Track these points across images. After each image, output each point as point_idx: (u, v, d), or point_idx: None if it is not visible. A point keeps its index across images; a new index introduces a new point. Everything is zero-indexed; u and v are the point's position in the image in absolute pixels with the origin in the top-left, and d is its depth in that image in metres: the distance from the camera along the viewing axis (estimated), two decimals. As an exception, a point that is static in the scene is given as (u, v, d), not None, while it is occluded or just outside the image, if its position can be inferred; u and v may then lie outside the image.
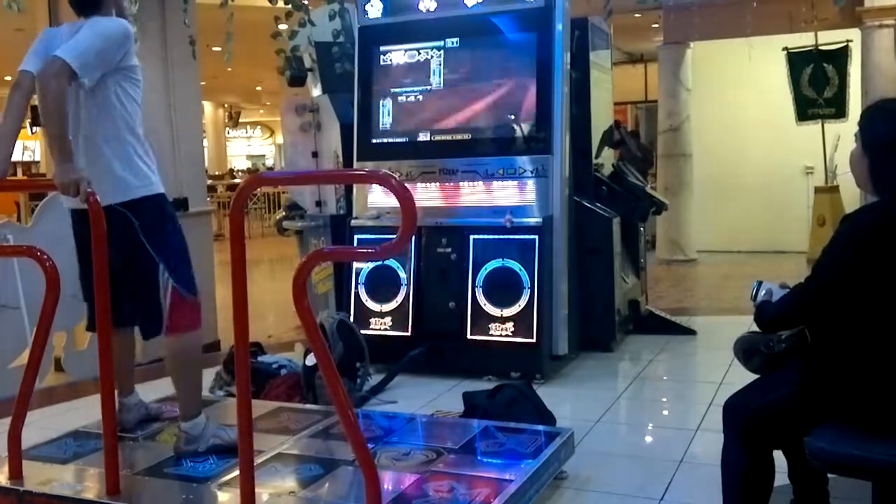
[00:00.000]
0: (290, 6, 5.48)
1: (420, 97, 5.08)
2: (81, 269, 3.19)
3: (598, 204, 5.26)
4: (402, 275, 4.92)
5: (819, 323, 2.33)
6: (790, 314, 2.37)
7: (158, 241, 3.07)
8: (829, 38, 9.28)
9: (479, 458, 3.16)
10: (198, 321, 3.18)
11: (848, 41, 9.26)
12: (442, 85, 5.03)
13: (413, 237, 4.18)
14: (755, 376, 2.53)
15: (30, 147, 20.70)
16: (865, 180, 2.29)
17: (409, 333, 4.88)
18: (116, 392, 3.05)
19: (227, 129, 27.80)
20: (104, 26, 3.03)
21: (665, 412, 4.46)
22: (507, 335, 4.65)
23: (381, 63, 5.19)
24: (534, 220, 4.69)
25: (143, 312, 3.16)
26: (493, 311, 4.69)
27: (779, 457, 2.46)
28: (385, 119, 5.15)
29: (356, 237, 5.06)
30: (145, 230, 3.04)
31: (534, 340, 4.60)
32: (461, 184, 4.89)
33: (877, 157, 2.25)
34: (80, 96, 3.01)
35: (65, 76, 2.83)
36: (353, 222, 5.14)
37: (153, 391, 3.92)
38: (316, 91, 5.84)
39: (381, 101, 5.16)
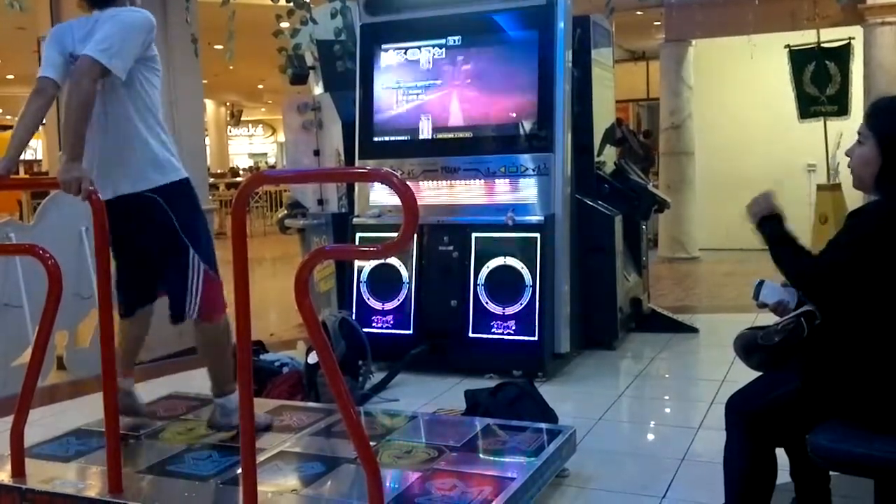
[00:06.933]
0: (291, 4, 5.46)
1: (422, 95, 5.08)
2: (115, 258, 3.17)
3: (600, 202, 5.25)
4: (404, 273, 4.91)
5: (839, 297, 2.24)
6: (830, 269, 2.23)
7: (188, 224, 3.10)
8: (832, 36, 9.26)
9: (481, 455, 3.16)
10: (224, 303, 3.20)
11: (850, 38, 9.23)
12: (443, 83, 5.02)
13: (415, 235, 4.18)
14: (757, 374, 2.52)
15: (32, 145, 20.68)
16: (870, 181, 2.27)
17: (410, 331, 4.87)
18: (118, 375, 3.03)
19: (229, 127, 27.82)
20: (128, 18, 3.00)
21: (667, 410, 4.45)
22: (508, 333, 4.65)
23: (383, 61, 5.19)
24: (535, 219, 4.69)
25: (172, 294, 3.17)
26: (495, 309, 4.69)
27: (781, 454, 2.46)
28: (387, 117, 5.15)
29: (358, 235, 5.06)
30: (177, 214, 3.07)
31: (536, 338, 4.59)
32: (463, 182, 4.89)
33: (893, 158, 2.21)
34: (104, 88, 2.97)
35: (96, 75, 2.83)
36: (355, 220, 5.14)
37: (153, 390, 3.92)
38: (318, 89, 5.84)
39: (382, 100, 5.16)
